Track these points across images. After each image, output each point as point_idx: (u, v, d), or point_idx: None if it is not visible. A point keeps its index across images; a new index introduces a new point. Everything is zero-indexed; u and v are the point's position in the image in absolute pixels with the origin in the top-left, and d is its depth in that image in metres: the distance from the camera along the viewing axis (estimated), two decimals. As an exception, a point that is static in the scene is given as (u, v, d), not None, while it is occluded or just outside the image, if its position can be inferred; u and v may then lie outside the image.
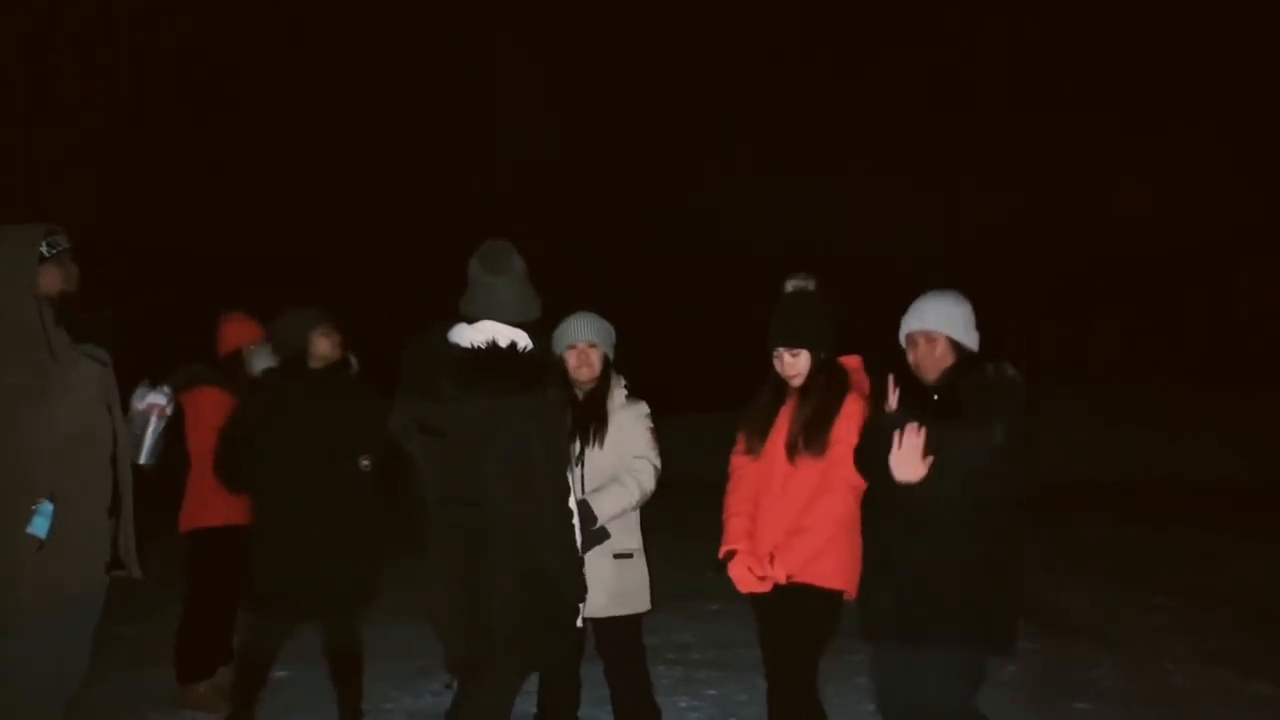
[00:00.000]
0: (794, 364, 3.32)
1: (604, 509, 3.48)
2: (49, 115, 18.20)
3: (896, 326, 3.23)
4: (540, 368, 2.92)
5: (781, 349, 3.33)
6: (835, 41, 20.95)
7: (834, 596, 3.25)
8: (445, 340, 2.91)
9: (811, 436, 3.25)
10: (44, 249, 2.94)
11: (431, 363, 2.88)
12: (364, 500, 3.99)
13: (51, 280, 2.94)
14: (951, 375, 3.09)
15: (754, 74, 20.97)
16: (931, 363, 3.11)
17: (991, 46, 20.66)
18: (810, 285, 3.41)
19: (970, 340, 3.15)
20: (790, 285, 3.41)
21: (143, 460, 3.16)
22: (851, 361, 3.42)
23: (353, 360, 4.17)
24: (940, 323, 3.12)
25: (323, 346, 4.03)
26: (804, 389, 3.32)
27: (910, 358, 3.16)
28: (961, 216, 19.15)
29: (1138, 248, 19.21)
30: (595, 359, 3.63)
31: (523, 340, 2.89)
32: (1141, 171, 19.00)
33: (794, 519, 3.24)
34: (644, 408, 3.67)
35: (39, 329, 2.85)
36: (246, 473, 3.94)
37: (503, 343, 2.85)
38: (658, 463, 3.61)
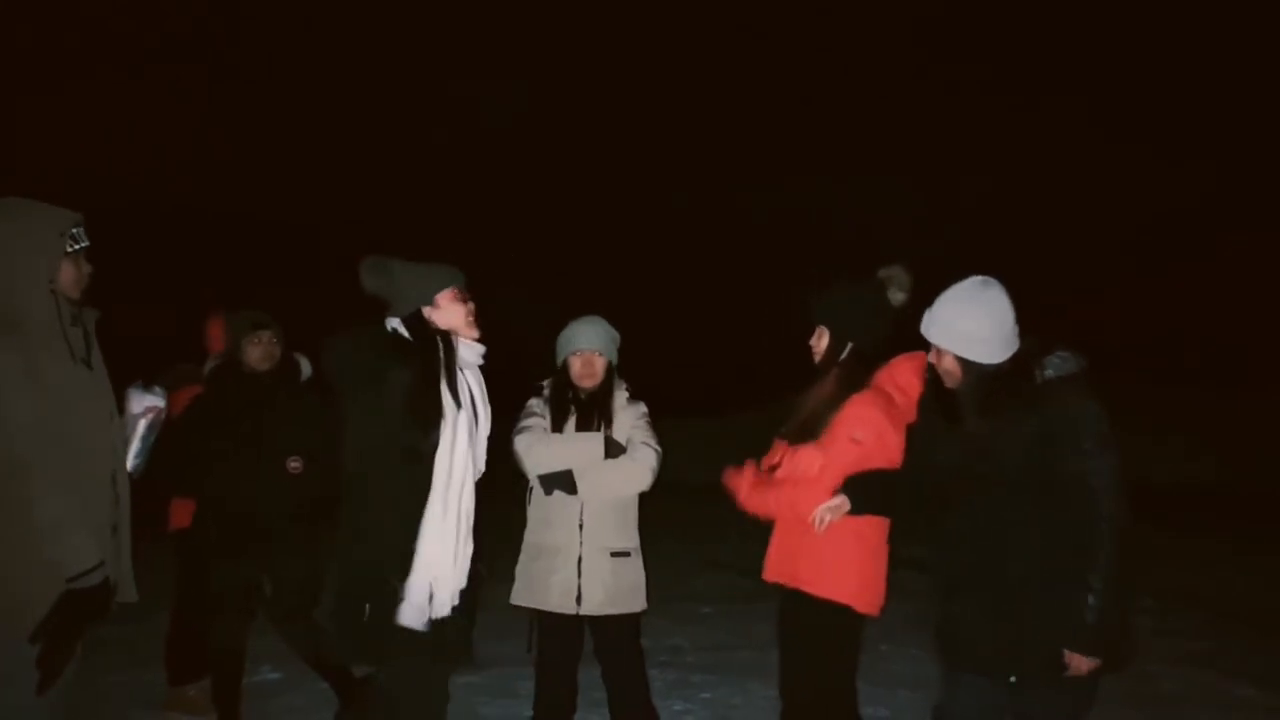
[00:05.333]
0: (816, 340, 3.18)
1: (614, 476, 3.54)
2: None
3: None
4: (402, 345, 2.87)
5: (813, 322, 3.21)
6: (831, 37, 21.04)
7: (818, 605, 3.07)
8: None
9: (804, 425, 3.11)
10: (68, 243, 2.67)
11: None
12: (298, 503, 4.04)
13: (66, 278, 2.69)
14: (971, 392, 2.71)
15: (750, 72, 21.03)
16: (943, 373, 2.78)
17: (963, 33, 20.79)
18: (896, 280, 3.19)
19: (988, 354, 2.68)
20: (881, 272, 3.21)
21: (130, 467, 3.10)
22: (908, 361, 3.14)
23: (304, 364, 4.26)
24: (942, 336, 2.74)
25: (252, 354, 4.11)
26: (819, 373, 3.16)
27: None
28: (933, 205, 19.24)
29: (1116, 247, 19.41)
30: (599, 367, 3.67)
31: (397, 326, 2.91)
32: (1113, 165, 19.20)
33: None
34: (643, 407, 3.72)
35: (58, 330, 2.63)
36: (186, 475, 4.02)
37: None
38: (659, 449, 3.63)
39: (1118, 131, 19.62)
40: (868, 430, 3.00)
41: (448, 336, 2.91)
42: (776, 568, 3.21)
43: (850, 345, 3.13)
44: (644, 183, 20.23)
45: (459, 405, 2.83)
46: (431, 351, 2.85)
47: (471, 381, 2.98)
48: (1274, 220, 18.57)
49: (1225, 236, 19.14)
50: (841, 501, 2.98)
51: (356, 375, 2.77)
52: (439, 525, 2.77)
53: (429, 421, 2.76)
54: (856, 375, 3.10)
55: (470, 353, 2.96)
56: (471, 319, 2.97)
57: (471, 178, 20.29)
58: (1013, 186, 19.48)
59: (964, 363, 2.72)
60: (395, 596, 2.74)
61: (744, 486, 3.21)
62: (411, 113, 20.41)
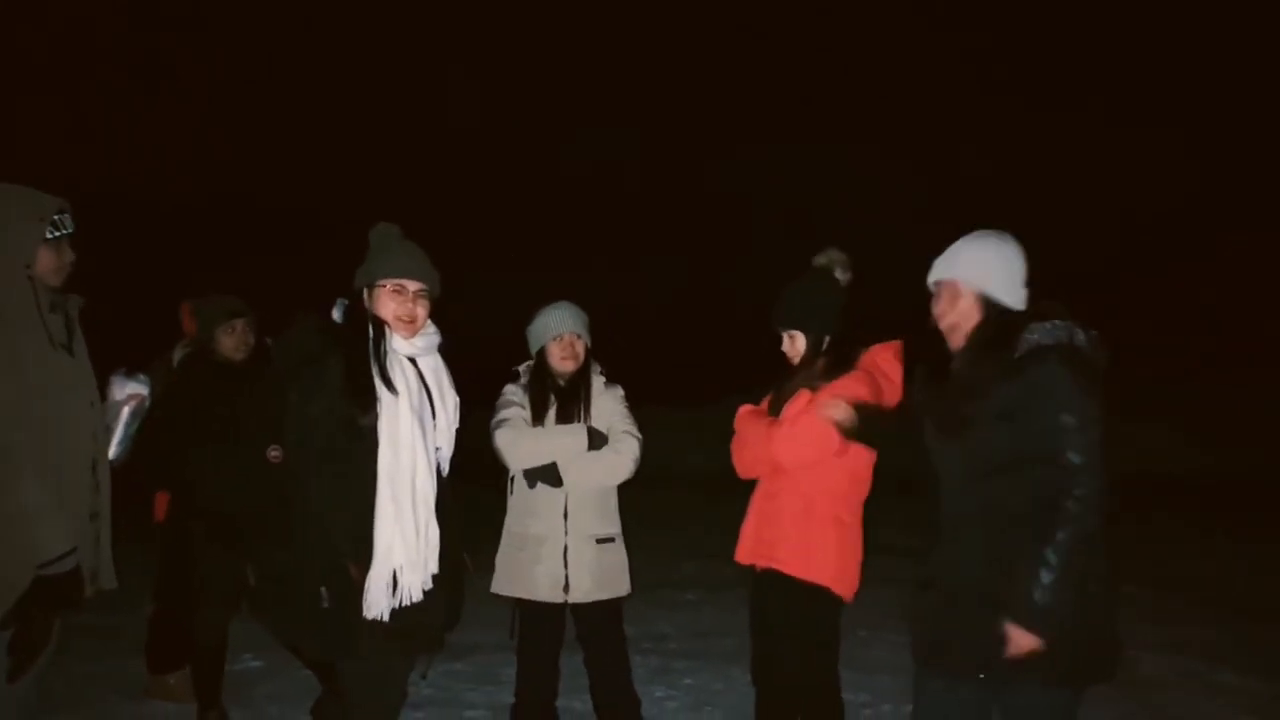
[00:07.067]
0: (790, 345, 3.22)
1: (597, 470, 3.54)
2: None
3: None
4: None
5: (780, 329, 3.24)
6: (829, 32, 20.99)
7: (797, 587, 3.10)
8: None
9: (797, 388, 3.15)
10: (49, 228, 2.64)
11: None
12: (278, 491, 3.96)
13: (45, 264, 2.65)
14: (980, 343, 2.54)
15: (739, 60, 20.98)
16: (955, 320, 2.58)
17: (970, 29, 20.77)
18: (837, 262, 3.25)
19: (1010, 298, 2.55)
20: (818, 260, 3.28)
21: (113, 454, 3.07)
22: (887, 348, 3.22)
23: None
24: (968, 270, 2.56)
25: (226, 343, 4.08)
26: (795, 370, 3.21)
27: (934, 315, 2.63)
28: (932, 202, 19.24)
29: (1106, 238, 19.47)
30: (581, 349, 3.67)
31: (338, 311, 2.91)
32: (1111, 165, 19.25)
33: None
34: (620, 390, 3.73)
35: (35, 316, 2.60)
36: (164, 467, 3.97)
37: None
38: (640, 436, 3.63)
39: (1115, 131, 19.68)
40: (850, 397, 3.03)
41: (380, 324, 2.84)
42: (751, 549, 3.22)
43: (828, 339, 3.18)
44: (632, 172, 20.21)
45: (394, 392, 2.77)
46: (360, 337, 2.80)
47: (425, 370, 2.91)
48: (1274, 220, 18.67)
49: (1225, 236, 19.23)
50: (847, 410, 2.95)
51: (297, 363, 2.75)
52: (390, 512, 2.73)
53: (363, 403, 2.72)
54: (845, 358, 3.15)
55: (407, 344, 2.86)
56: (407, 318, 2.85)
57: (461, 173, 20.22)
58: (1011, 185, 19.50)
59: (986, 304, 2.55)
60: (354, 586, 2.70)
61: (749, 411, 3.24)
62: (395, 108, 20.34)
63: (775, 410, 3.20)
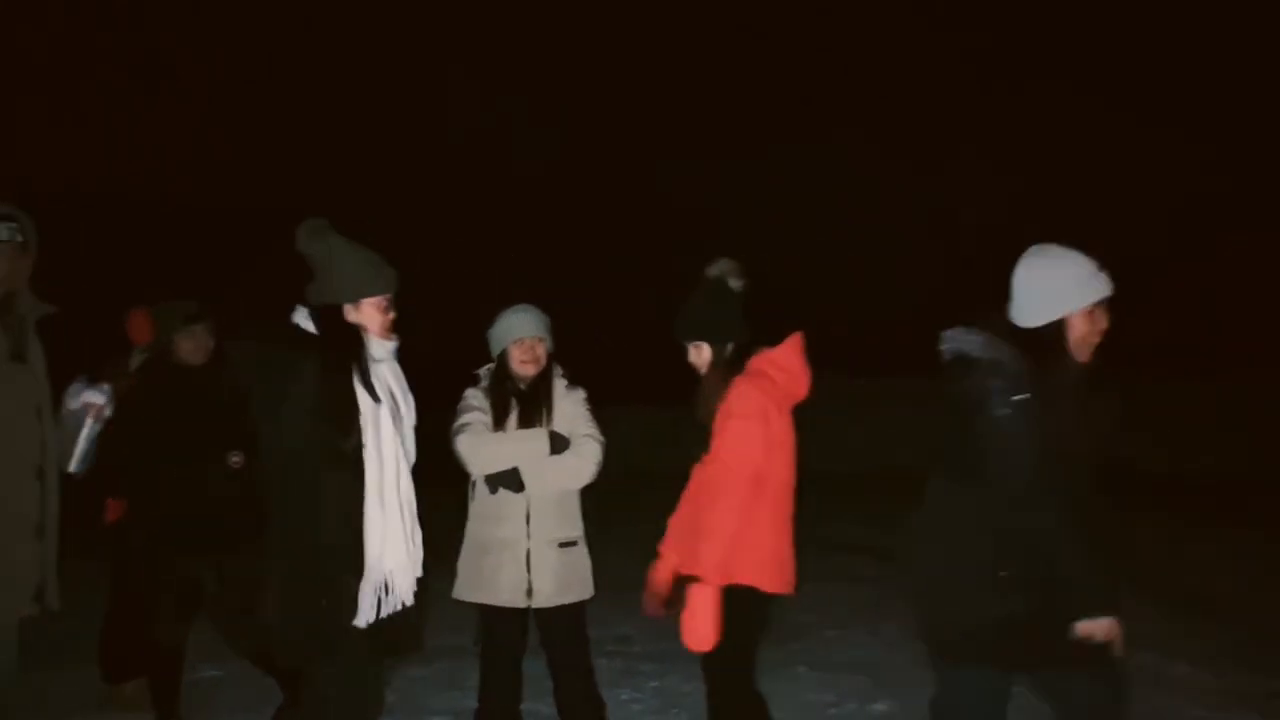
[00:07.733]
0: (695, 357, 3.31)
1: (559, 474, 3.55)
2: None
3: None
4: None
5: (682, 342, 3.33)
6: (823, 33, 20.91)
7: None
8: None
9: (704, 427, 3.24)
10: None
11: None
12: (242, 498, 3.88)
13: None
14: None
15: (722, 50, 20.92)
16: (1098, 334, 2.71)
17: (970, 29, 20.68)
18: (729, 271, 3.34)
19: None
20: (710, 271, 3.36)
21: (73, 468, 3.00)
22: (786, 344, 3.30)
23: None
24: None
25: (184, 347, 4.05)
26: (704, 380, 3.30)
27: (1085, 331, 2.70)
28: (933, 202, 19.18)
29: (1107, 238, 19.37)
30: (542, 353, 3.66)
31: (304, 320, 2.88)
32: (1121, 161, 19.18)
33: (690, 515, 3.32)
34: (582, 393, 3.71)
35: None
36: (121, 473, 3.95)
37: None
38: (602, 439, 3.63)
39: (1115, 131, 19.58)
40: (747, 405, 3.13)
41: (358, 332, 2.83)
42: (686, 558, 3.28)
43: (730, 346, 3.27)
44: (621, 169, 20.15)
45: (377, 400, 2.76)
46: (341, 347, 2.78)
47: (388, 374, 2.90)
48: (1274, 220, 18.58)
49: (1225, 236, 19.16)
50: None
51: (267, 374, 2.72)
52: (379, 519, 2.72)
53: (346, 421, 2.70)
54: (737, 364, 3.25)
55: (381, 349, 2.87)
56: (388, 329, 2.88)
57: (456, 174, 20.21)
58: (1010, 185, 19.43)
59: None
60: (346, 595, 2.69)
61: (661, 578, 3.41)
62: (390, 109, 20.33)
63: (704, 420, 3.25)
